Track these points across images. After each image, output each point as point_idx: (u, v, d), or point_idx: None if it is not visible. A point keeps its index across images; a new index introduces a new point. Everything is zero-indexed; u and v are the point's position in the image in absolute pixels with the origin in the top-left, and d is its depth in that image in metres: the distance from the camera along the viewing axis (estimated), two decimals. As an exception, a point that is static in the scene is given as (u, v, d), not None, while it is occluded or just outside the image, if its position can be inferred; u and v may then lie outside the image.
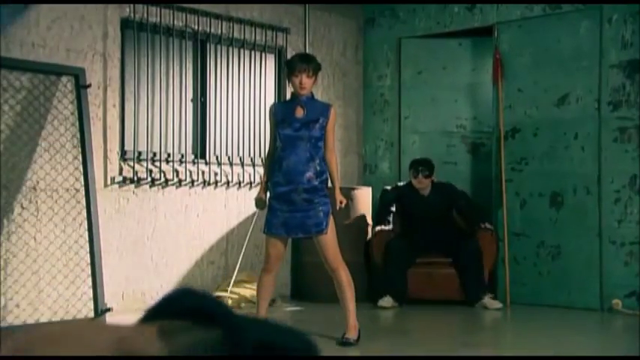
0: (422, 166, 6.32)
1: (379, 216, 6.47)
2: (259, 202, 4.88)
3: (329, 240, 4.65)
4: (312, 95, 4.79)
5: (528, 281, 6.32)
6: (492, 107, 6.61)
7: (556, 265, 6.21)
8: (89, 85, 5.40)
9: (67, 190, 5.31)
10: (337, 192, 4.77)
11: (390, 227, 6.38)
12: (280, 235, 4.71)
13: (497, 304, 6.09)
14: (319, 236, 4.64)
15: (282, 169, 4.66)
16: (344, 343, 4.60)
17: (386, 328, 5.59)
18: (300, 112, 4.70)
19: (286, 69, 4.77)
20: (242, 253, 4.84)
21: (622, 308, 5.84)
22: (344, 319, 4.69)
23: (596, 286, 5.99)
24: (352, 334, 4.64)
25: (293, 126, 4.67)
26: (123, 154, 5.74)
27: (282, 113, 4.73)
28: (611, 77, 5.99)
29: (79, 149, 5.33)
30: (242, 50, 6.48)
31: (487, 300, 6.10)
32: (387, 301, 6.15)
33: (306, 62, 4.69)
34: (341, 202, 4.77)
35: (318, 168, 4.66)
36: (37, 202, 5.17)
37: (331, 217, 4.70)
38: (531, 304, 6.22)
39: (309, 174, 4.64)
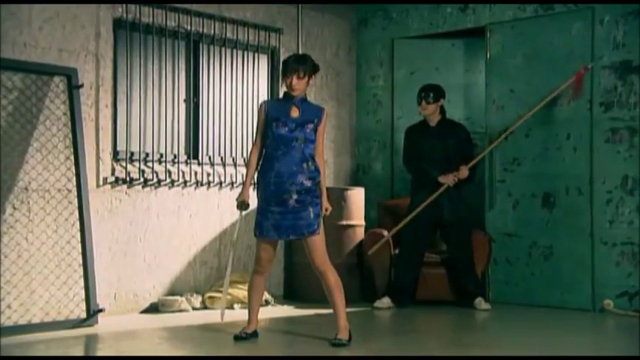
0: (425, 91, 6.17)
1: (419, 177, 6.25)
2: (243, 205, 4.84)
3: (318, 242, 4.63)
4: (305, 97, 4.79)
5: (520, 281, 6.34)
6: (485, 108, 6.63)
7: (548, 265, 6.23)
8: (81, 86, 5.40)
9: (59, 190, 5.30)
10: (324, 198, 4.73)
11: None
12: (272, 239, 4.71)
13: (486, 306, 6.11)
14: (309, 238, 4.63)
15: (274, 169, 4.64)
16: (336, 344, 4.60)
17: (380, 328, 5.60)
18: (295, 112, 4.69)
19: (281, 68, 4.78)
20: (230, 257, 4.83)
21: (613, 308, 5.87)
22: (335, 320, 4.69)
23: (588, 287, 6.02)
24: (343, 335, 4.64)
25: (288, 126, 4.65)
26: (115, 154, 5.73)
27: (275, 112, 4.71)
28: (603, 78, 6.01)
29: (72, 150, 5.33)
30: (235, 50, 6.48)
31: (477, 300, 6.12)
32: (384, 302, 6.15)
33: (297, 63, 4.69)
34: (326, 210, 4.73)
35: (311, 169, 4.65)
36: (29, 202, 5.16)
37: (321, 219, 4.68)
38: (523, 304, 6.24)
39: (302, 175, 4.63)
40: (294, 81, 4.66)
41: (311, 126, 4.68)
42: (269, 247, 4.74)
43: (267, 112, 4.72)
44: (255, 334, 4.83)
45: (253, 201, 4.92)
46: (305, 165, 4.64)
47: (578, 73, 5.99)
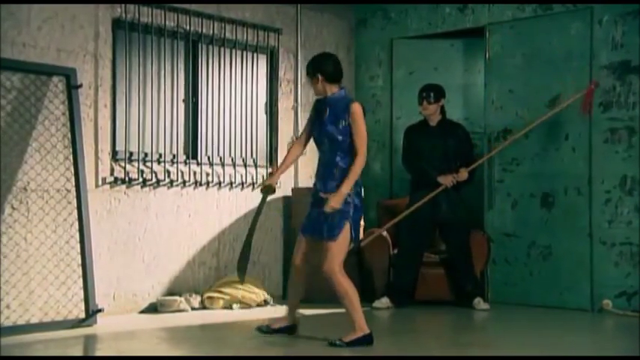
0: (426, 91, 6.19)
1: (418, 177, 6.24)
2: (269, 189, 4.81)
3: (332, 248, 4.55)
4: (344, 92, 4.73)
5: (519, 281, 6.34)
6: (484, 108, 6.63)
7: (547, 265, 6.23)
8: (80, 86, 5.39)
9: (58, 190, 5.29)
10: (337, 193, 4.53)
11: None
12: (303, 233, 4.73)
13: (485, 306, 6.11)
14: (326, 242, 4.57)
15: (317, 169, 4.77)
16: (331, 343, 4.60)
17: (379, 328, 5.59)
18: (325, 113, 4.70)
19: None
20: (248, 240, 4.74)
21: (612, 308, 5.87)
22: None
23: (587, 287, 6.02)
24: (347, 338, 4.59)
25: (319, 127, 4.70)
26: (114, 154, 5.73)
27: (316, 113, 4.77)
28: (602, 78, 6.01)
29: (70, 150, 5.32)
30: (234, 51, 6.48)
31: (476, 301, 6.12)
32: (383, 302, 6.15)
33: (309, 63, 4.78)
34: (331, 207, 4.54)
35: (338, 171, 4.62)
36: (27, 202, 5.16)
37: (347, 226, 4.56)
38: (522, 304, 6.24)
39: (331, 181, 4.62)
40: (310, 81, 4.74)
41: (336, 127, 4.63)
42: (302, 242, 4.73)
43: (314, 112, 4.78)
44: (289, 328, 4.83)
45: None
46: (334, 170, 4.63)
47: (589, 88, 5.96)
